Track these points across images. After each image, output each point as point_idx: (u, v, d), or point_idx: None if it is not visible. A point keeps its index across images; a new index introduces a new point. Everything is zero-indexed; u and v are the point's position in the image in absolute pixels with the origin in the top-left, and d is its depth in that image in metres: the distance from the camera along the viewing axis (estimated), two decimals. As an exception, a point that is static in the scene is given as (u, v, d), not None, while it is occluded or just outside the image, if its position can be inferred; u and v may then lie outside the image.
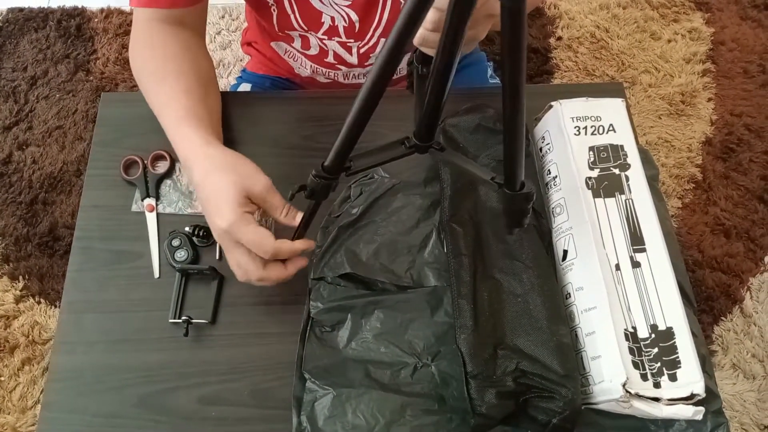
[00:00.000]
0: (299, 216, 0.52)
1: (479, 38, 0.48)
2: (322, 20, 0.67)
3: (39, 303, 1.21)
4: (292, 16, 0.68)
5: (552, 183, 0.58)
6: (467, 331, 0.49)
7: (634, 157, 0.56)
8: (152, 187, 0.63)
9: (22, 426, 1.10)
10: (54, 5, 1.57)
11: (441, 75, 0.40)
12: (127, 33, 1.52)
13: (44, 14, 1.54)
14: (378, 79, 0.38)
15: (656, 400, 0.46)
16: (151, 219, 0.61)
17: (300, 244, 0.52)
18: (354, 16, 0.66)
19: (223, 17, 1.57)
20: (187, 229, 0.60)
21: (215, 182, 0.51)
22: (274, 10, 0.68)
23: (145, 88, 0.62)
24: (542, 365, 0.48)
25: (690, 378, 0.47)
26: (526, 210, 0.47)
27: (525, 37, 0.33)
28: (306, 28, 0.69)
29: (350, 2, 0.64)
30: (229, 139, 0.66)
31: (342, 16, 0.66)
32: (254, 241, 0.49)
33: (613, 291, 0.50)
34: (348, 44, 0.71)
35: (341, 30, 0.69)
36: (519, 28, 0.32)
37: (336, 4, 0.65)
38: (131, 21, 1.52)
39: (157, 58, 0.60)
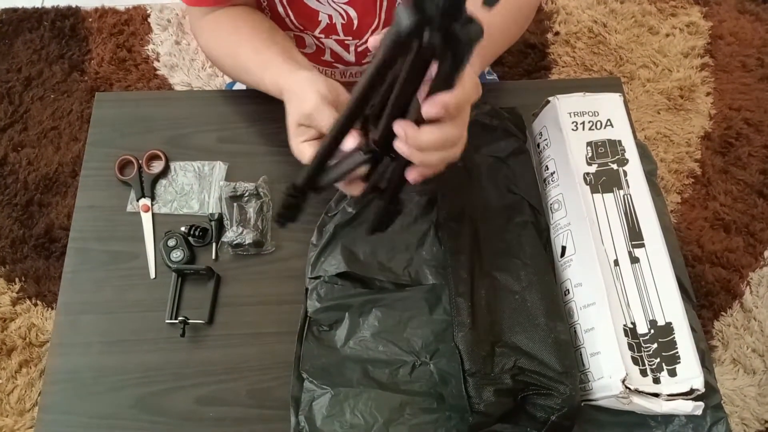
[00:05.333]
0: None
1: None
2: (319, 19, 0.67)
3: (36, 305, 1.20)
4: (286, 19, 0.67)
5: (550, 179, 0.58)
6: (465, 328, 0.49)
7: (632, 152, 0.56)
8: (147, 187, 0.62)
9: (20, 428, 1.09)
10: (48, 5, 1.56)
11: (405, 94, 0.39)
12: (122, 32, 1.51)
13: (38, 14, 1.53)
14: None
15: (656, 395, 0.45)
16: (147, 219, 0.61)
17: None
18: (353, 13, 0.66)
19: (218, 16, 1.56)
20: (182, 229, 0.60)
21: (291, 96, 0.51)
22: (267, 12, 0.67)
23: (227, 68, 0.64)
24: (540, 362, 0.48)
25: (689, 373, 0.46)
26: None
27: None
28: (302, 28, 0.69)
29: (348, 0, 0.64)
30: (227, 137, 0.65)
31: (340, 14, 0.66)
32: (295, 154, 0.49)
33: (611, 287, 0.49)
34: (346, 42, 0.71)
35: (339, 28, 0.68)
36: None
37: (334, 2, 0.64)
38: (126, 20, 1.52)
39: (222, 38, 0.62)
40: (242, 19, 0.62)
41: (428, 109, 0.38)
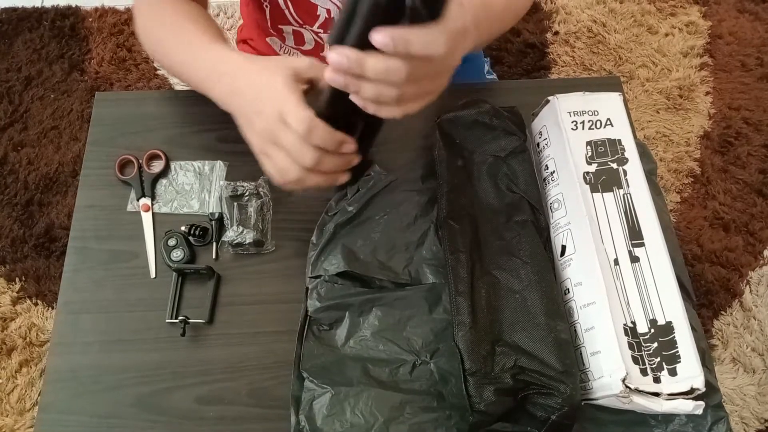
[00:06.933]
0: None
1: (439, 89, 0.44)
2: (318, 13, 0.67)
3: (36, 305, 1.20)
4: (286, 11, 0.67)
5: (550, 178, 0.58)
6: (465, 328, 0.49)
7: (631, 152, 0.56)
8: (147, 187, 0.62)
9: (20, 428, 1.09)
10: (48, 5, 1.56)
11: None
12: (122, 32, 1.51)
13: (38, 14, 1.53)
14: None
15: (656, 395, 0.45)
16: (147, 219, 0.61)
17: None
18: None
19: (218, 15, 1.56)
20: (183, 228, 0.60)
21: (261, 63, 0.48)
22: (266, 6, 0.68)
23: (160, 51, 0.59)
24: (540, 361, 0.48)
25: (690, 372, 0.46)
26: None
27: None
28: (301, 22, 0.69)
29: None
30: (227, 137, 0.65)
31: (338, 7, 0.66)
32: (293, 113, 0.44)
33: (611, 286, 0.49)
34: None
35: None
36: None
37: None
38: (126, 20, 1.52)
39: (165, 23, 0.58)
40: (184, 6, 0.59)
41: (375, 35, 0.36)
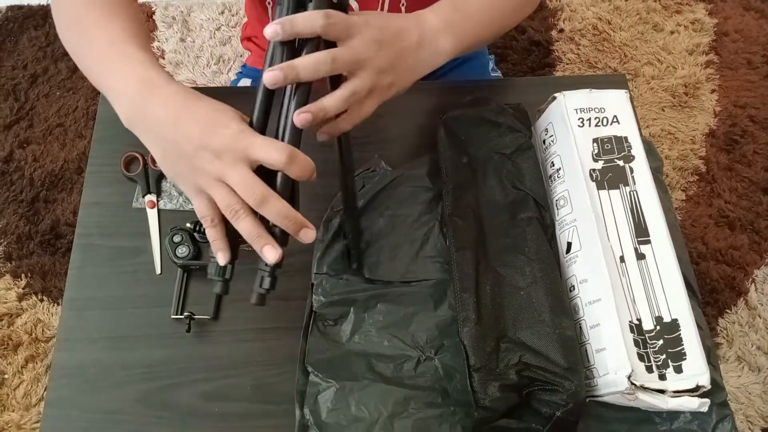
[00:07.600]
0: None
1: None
2: None
3: (42, 301, 1.21)
4: None
5: (555, 175, 0.58)
6: (470, 324, 0.49)
7: (638, 149, 0.56)
8: (153, 184, 0.62)
9: (26, 423, 1.10)
10: (53, 3, 1.56)
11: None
12: (127, 30, 1.51)
13: (43, 12, 1.54)
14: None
15: (661, 392, 0.45)
16: (152, 215, 0.61)
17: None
18: (354, 4, 0.66)
19: (222, 13, 1.56)
20: (188, 225, 0.60)
21: (209, 102, 0.48)
22: (269, 3, 0.67)
23: (80, 28, 0.55)
24: (545, 358, 0.48)
25: (695, 370, 0.46)
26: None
27: None
28: None
29: None
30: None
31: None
32: (269, 145, 0.43)
33: (617, 283, 0.49)
34: None
35: None
36: None
37: None
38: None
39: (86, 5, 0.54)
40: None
41: (265, 30, 0.43)
